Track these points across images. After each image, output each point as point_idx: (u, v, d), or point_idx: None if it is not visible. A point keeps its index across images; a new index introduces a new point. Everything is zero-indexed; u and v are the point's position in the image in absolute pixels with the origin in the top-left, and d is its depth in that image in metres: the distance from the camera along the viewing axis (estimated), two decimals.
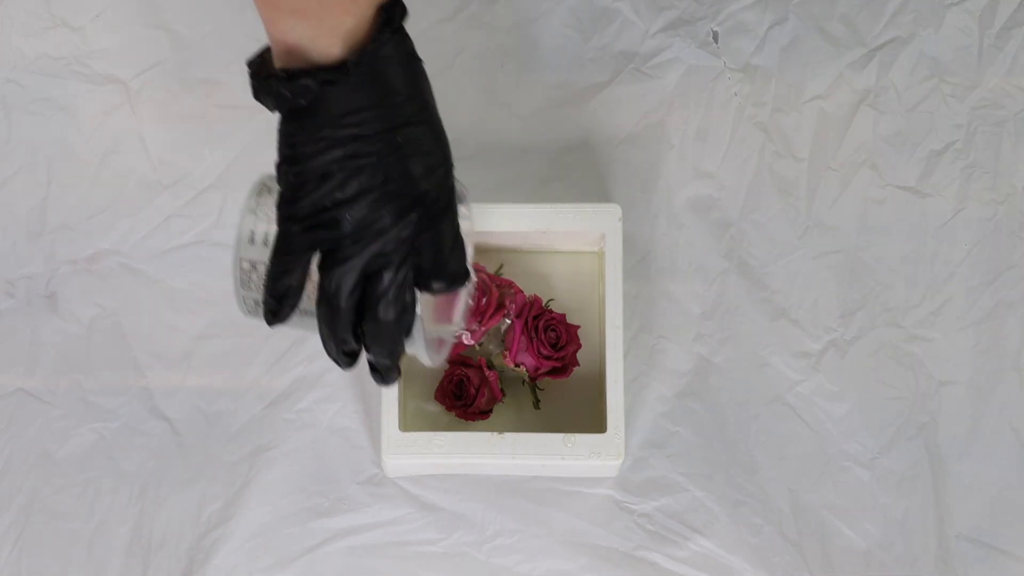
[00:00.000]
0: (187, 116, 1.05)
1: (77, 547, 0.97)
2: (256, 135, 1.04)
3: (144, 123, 1.05)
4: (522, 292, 0.97)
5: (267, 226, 0.73)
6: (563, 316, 0.98)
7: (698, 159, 1.05)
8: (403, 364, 0.74)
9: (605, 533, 0.97)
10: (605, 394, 0.93)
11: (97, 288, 1.02)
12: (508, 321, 0.96)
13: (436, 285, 0.70)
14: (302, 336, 1.00)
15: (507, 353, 0.96)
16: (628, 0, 1.08)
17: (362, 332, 0.71)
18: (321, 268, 0.69)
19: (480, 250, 1.00)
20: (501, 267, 1.00)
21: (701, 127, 1.05)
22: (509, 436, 0.92)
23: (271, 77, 0.68)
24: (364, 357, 0.73)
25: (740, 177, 1.04)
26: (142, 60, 1.06)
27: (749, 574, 0.97)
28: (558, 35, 1.07)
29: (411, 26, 1.07)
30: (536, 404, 0.99)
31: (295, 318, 0.72)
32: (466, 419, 0.97)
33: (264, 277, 0.72)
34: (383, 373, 0.73)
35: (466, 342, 0.95)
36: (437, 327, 0.76)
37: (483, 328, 0.95)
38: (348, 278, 0.68)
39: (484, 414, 0.97)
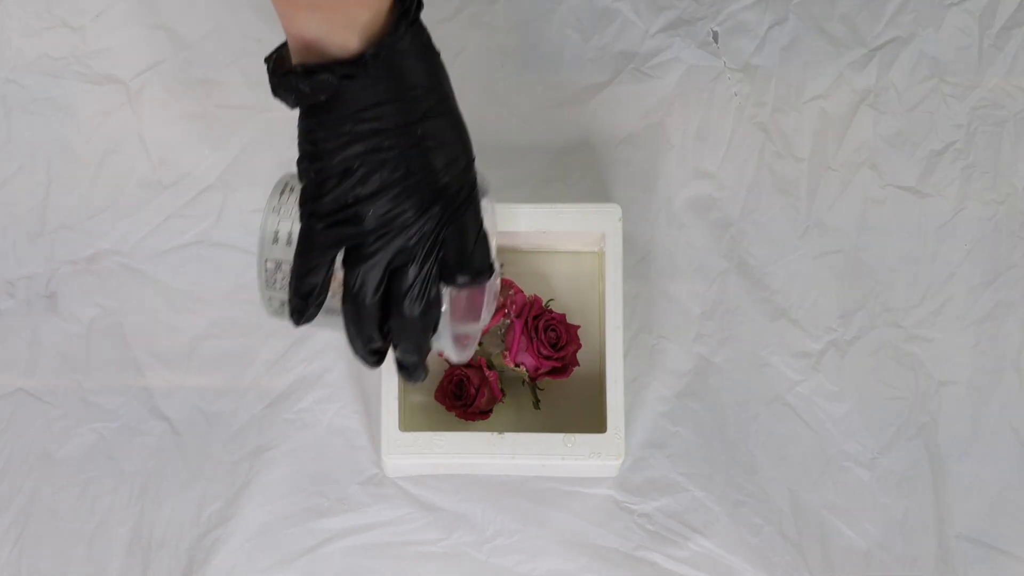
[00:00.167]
0: (187, 116, 1.05)
1: (77, 547, 0.97)
2: (256, 135, 1.04)
3: (144, 123, 1.05)
4: (522, 292, 0.97)
5: (290, 225, 0.73)
6: (563, 316, 0.98)
7: (698, 159, 1.05)
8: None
9: (605, 533, 0.97)
10: (605, 394, 0.93)
11: (97, 288, 1.02)
12: (508, 321, 0.96)
13: (461, 279, 0.70)
14: (302, 336, 1.00)
15: (507, 353, 0.96)
16: (628, 0, 1.08)
17: (388, 329, 0.70)
18: (345, 265, 0.69)
19: None
20: (501, 267, 1.00)
21: (701, 127, 1.05)
22: (509, 436, 0.92)
23: (289, 73, 0.67)
24: (391, 355, 0.73)
25: (740, 177, 1.04)
26: (142, 60, 1.06)
27: (749, 574, 0.97)
28: (558, 35, 1.07)
29: None
30: (536, 404, 0.99)
31: (321, 317, 0.71)
32: (466, 419, 0.97)
33: (289, 276, 0.71)
34: (411, 370, 0.73)
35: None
36: (463, 321, 0.75)
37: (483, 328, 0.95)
38: (373, 274, 0.68)
39: (484, 414, 0.97)
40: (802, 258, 1.03)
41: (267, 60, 0.70)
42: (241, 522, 0.97)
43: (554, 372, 0.97)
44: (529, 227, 0.97)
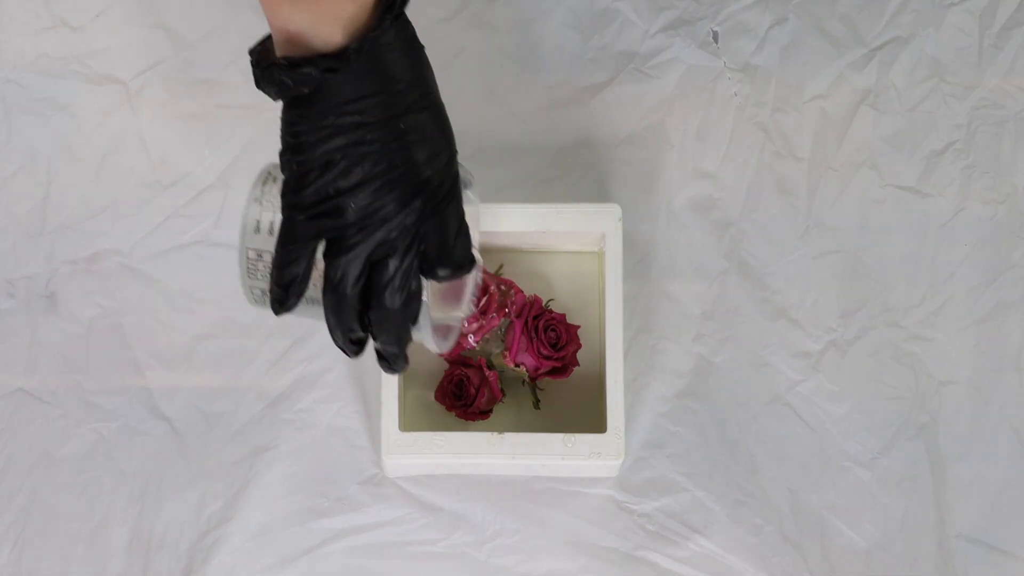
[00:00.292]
0: (187, 116, 1.05)
1: (77, 547, 0.97)
2: (256, 135, 1.04)
3: (144, 123, 1.05)
4: (522, 292, 0.97)
5: (272, 215, 0.73)
6: (563, 316, 0.98)
7: (698, 159, 1.05)
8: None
9: (605, 533, 0.97)
10: (605, 394, 0.93)
11: (97, 288, 1.02)
12: (508, 321, 0.96)
13: (441, 272, 0.70)
14: (302, 336, 1.00)
15: (507, 353, 0.96)
16: (628, 0, 1.08)
17: (369, 320, 0.71)
18: (326, 256, 0.69)
19: (480, 250, 1.00)
20: (501, 267, 1.00)
21: (701, 127, 1.05)
22: (509, 436, 0.92)
23: (273, 66, 0.68)
24: (371, 346, 0.73)
25: (740, 177, 1.04)
26: (142, 60, 1.06)
27: (749, 574, 0.97)
28: (558, 35, 1.07)
29: None
30: (536, 404, 0.99)
31: (301, 307, 0.72)
32: (466, 419, 0.97)
33: (270, 266, 0.71)
34: (391, 361, 0.73)
35: (465, 343, 0.95)
36: (444, 314, 0.75)
37: (483, 328, 0.95)
38: (353, 266, 0.69)
39: (484, 414, 0.97)
40: (802, 258, 1.03)
41: (251, 52, 0.70)
42: (241, 522, 0.97)
43: (554, 372, 0.97)
44: (529, 227, 0.97)
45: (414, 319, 0.71)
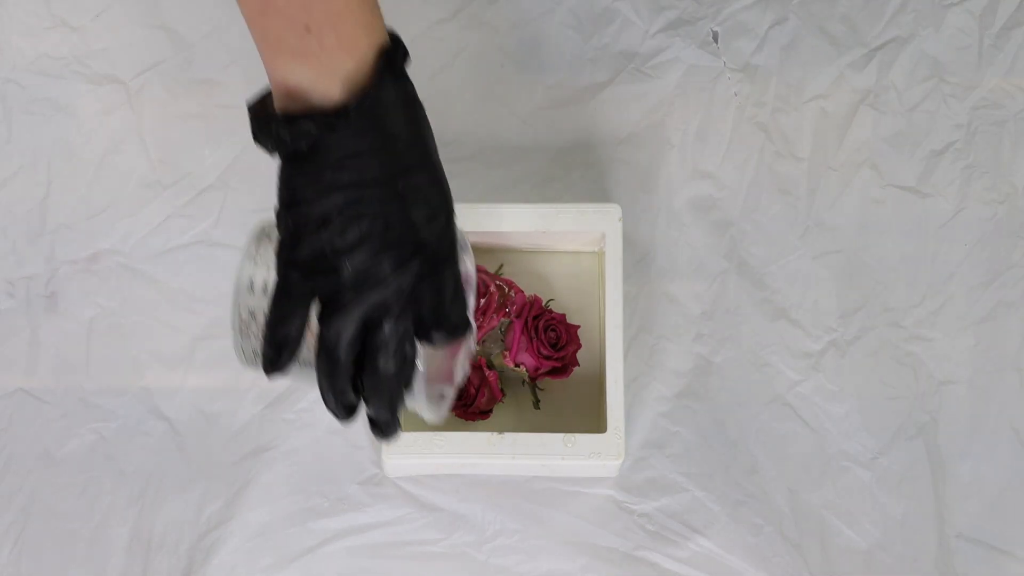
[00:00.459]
0: (187, 116, 1.05)
1: (77, 547, 0.97)
2: None
3: (144, 123, 1.05)
4: (522, 292, 0.97)
5: (266, 273, 0.71)
6: (563, 316, 0.98)
7: (698, 159, 1.05)
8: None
9: (605, 533, 0.97)
10: (605, 394, 0.93)
11: (97, 288, 1.02)
12: (508, 321, 0.96)
13: (437, 336, 0.68)
14: None
15: (507, 353, 0.96)
16: (628, 0, 1.08)
17: (361, 385, 0.69)
18: (320, 317, 0.67)
19: (480, 250, 1.00)
20: (501, 267, 1.00)
21: (701, 127, 1.05)
22: (509, 436, 0.92)
23: (271, 120, 0.67)
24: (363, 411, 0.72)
25: (740, 177, 1.04)
26: (142, 60, 1.06)
27: (749, 574, 0.97)
28: (558, 35, 1.07)
29: (411, 26, 1.07)
30: (536, 404, 0.99)
31: (294, 369, 0.70)
32: (466, 419, 0.97)
33: (263, 326, 0.70)
34: (383, 427, 0.71)
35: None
36: (437, 380, 0.73)
37: (483, 328, 0.95)
38: (348, 327, 0.67)
39: (484, 414, 0.97)
40: (802, 258, 1.03)
41: (249, 106, 0.69)
42: (241, 522, 0.97)
43: (554, 372, 0.97)
44: (529, 227, 0.97)
45: (408, 384, 0.69)
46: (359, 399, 0.70)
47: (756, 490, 0.98)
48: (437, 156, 0.69)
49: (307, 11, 0.65)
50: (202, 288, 1.02)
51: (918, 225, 1.03)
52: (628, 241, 1.00)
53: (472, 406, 0.96)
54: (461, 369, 0.75)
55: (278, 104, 0.68)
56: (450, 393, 0.75)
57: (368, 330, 0.67)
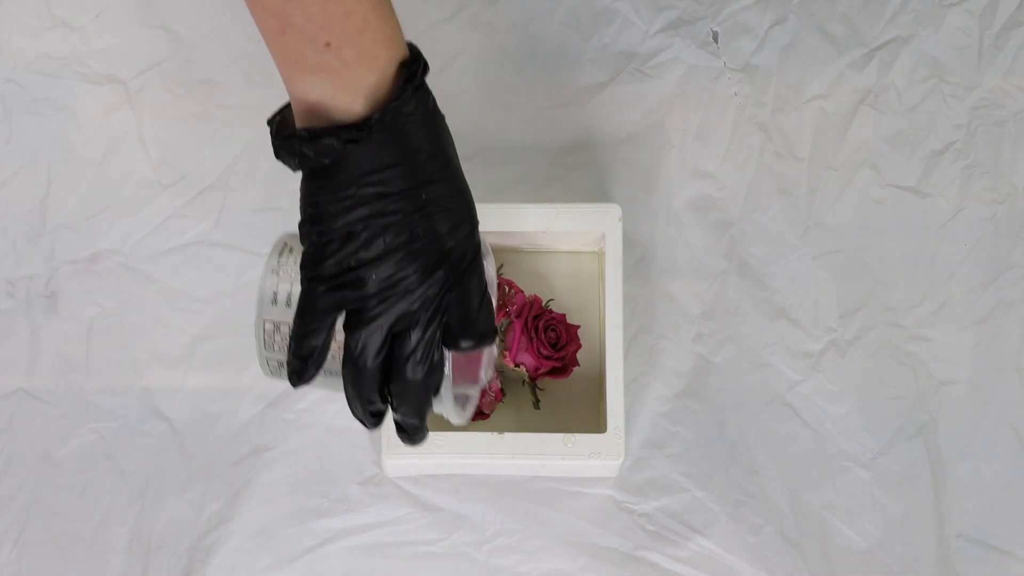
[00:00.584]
0: (187, 116, 1.05)
1: (77, 547, 0.97)
2: (256, 135, 1.04)
3: (144, 123, 1.05)
4: (522, 292, 0.97)
5: (289, 286, 0.72)
6: (563, 316, 0.98)
7: (698, 159, 1.05)
8: None
9: (605, 533, 0.97)
10: (605, 394, 0.93)
11: (97, 288, 1.02)
12: (508, 321, 0.96)
13: (464, 344, 0.69)
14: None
15: (507, 353, 0.96)
16: (628, 0, 1.08)
17: (389, 392, 0.69)
18: (347, 328, 0.68)
19: None
20: (501, 267, 1.00)
21: (701, 127, 1.05)
22: (509, 436, 0.92)
23: (293, 137, 0.67)
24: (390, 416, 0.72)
25: (740, 177, 1.04)
26: (142, 60, 1.06)
27: (749, 574, 0.97)
28: (558, 35, 1.07)
29: (411, 27, 1.07)
30: (536, 404, 0.99)
31: (320, 378, 0.71)
32: None
33: (287, 338, 0.70)
34: (411, 433, 0.72)
35: None
36: (462, 384, 0.74)
37: None
38: (374, 338, 0.67)
39: (484, 414, 0.97)
40: (802, 258, 1.03)
41: (270, 123, 0.69)
42: (241, 522, 0.97)
43: (554, 372, 0.97)
44: (529, 227, 0.97)
45: (436, 391, 0.70)
46: (386, 406, 0.70)
47: (756, 490, 0.98)
48: (459, 166, 0.70)
49: (326, 28, 0.65)
50: (202, 288, 1.02)
51: (918, 225, 1.03)
52: (628, 241, 1.00)
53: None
54: (485, 372, 0.76)
55: (299, 120, 0.68)
56: (475, 395, 0.76)
57: (395, 339, 0.68)
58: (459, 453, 0.93)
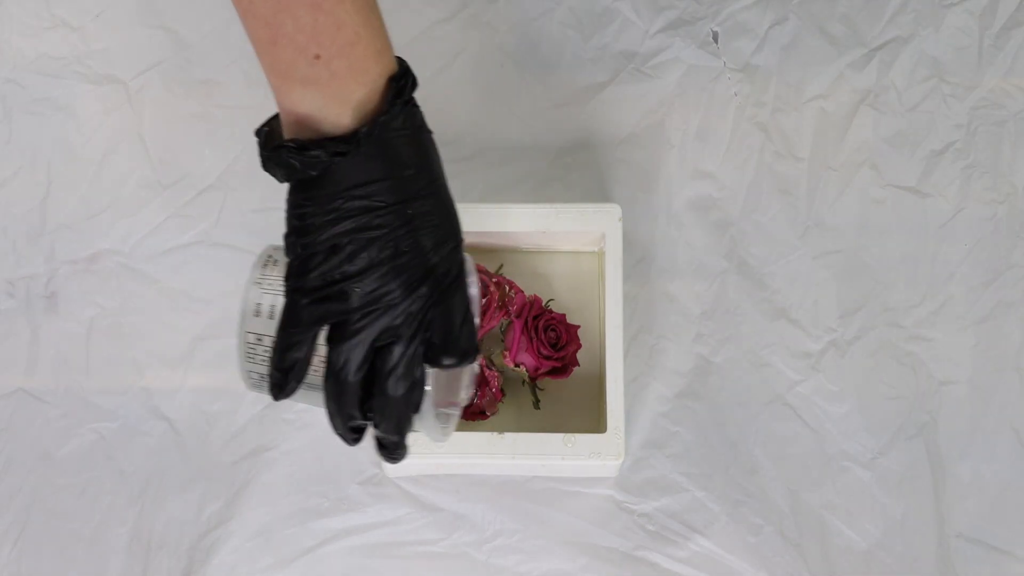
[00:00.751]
0: (187, 116, 1.05)
1: (77, 547, 0.97)
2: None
3: (144, 123, 1.05)
4: (522, 292, 0.97)
5: (273, 298, 0.72)
6: (563, 316, 0.98)
7: (698, 159, 1.05)
8: None
9: (605, 533, 0.97)
10: (605, 394, 0.93)
11: (97, 288, 1.02)
12: (508, 321, 0.96)
13: (447, 360, 0.69)
14: None
15: (507, 353, 0.96)
16: (628, 0, 1.08)
17: (370, 408, 0.69)
18: (329, 342, 0.68)
19: (480, 250, 1.01)
20: (501, 267, 1.00)
21: (701, 127, 1.05)
22: (509, 436, 0.92)
23: (281, 147, 0.67)
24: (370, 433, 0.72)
25: (740, 177, 1.04)
26: (142, 60, 1.06)
27: (749, 574, 0.97)
28: (558, 35, 1.07)
29: (411, 27, 1.07)
30: (536, 404, 0.99)
31: (301, 392, 0.70)
32: (466, 419, 0.97)
33: (270, 350, 0.70)
34: (390, 449, 0.71)
35: None
36: (444, 402, 0.74)
37: (483, 328, 0.95)
38: (357, 352, 0.67)
39: (484, 414, 0.97)
40: (802, 258, 1.03)
41: (257, 133, 0.69)
42: (241, 522, 0.97)
43: (554, 372, 0.97)
44: (529, 227, 0.97)
45: (416, 407, 0.69)
46: (366, 422, 0.70)
47: (756, 490, 0.98)
48: (445, 182, 0.70)
49: (317, 39, 0.65)
50: (202, 288, 1.02)
51: (918, 225, 1.03)
52: (628, 241, 1.00)
53: (472, 406, 0.96)
54: (466, 390, 0.76)
55: (287, 131, 0.68)
56: (456, 413, 0.76)
57: (377, 354, 0.68)
58: (459, 453, 0.93)
